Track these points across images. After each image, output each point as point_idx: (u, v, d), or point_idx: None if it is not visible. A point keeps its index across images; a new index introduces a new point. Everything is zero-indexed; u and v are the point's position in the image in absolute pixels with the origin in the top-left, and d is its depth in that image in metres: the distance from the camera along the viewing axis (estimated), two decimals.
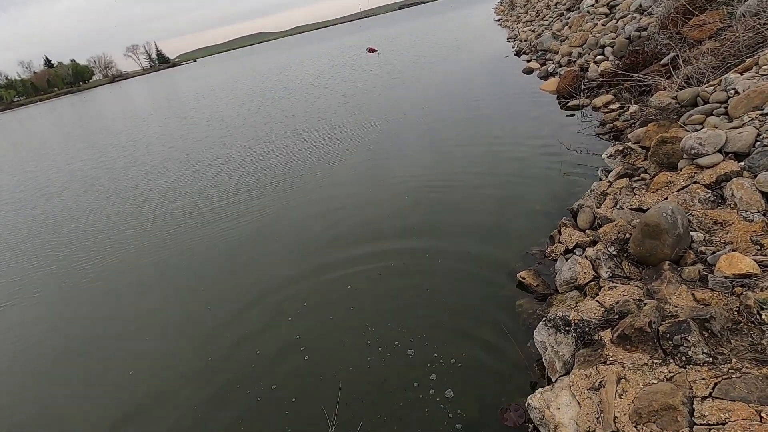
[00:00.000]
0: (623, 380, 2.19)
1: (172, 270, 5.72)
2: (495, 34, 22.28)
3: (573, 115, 7.98)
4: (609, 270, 3.19)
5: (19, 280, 6.53)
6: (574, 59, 10.19)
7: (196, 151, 12.02)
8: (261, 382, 3.40)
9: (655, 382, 2.12)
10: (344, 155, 8.79)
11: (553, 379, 2.65)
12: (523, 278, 3.71)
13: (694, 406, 1.90)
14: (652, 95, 5.59)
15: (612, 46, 9.02)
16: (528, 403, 2.50)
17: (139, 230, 7.31)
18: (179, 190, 8.92)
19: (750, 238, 2.83)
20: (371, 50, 4.41)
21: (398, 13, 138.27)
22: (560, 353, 2.69)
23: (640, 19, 9.04)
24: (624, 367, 2.27)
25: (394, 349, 3.40)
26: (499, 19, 27.03)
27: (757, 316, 2.26)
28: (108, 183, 10.86)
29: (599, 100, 7.62)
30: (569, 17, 13.14)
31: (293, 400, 3.16)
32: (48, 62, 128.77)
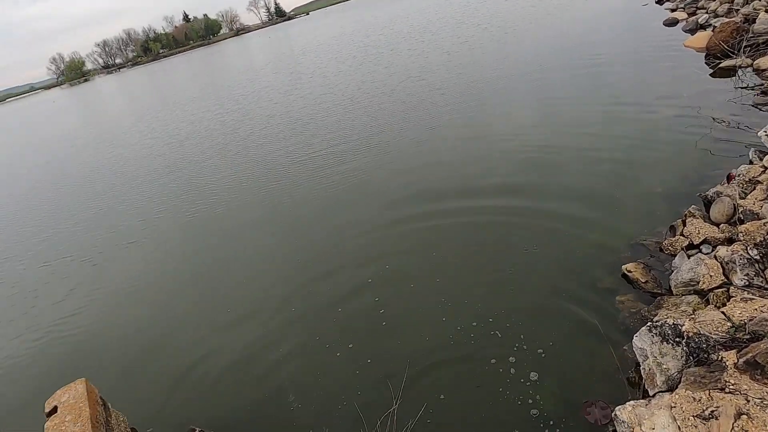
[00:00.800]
0: (744, 416, 1.81)
1: (272, 216, 6.21)
2: None
3: (726, 79, 6.56)
4: (745, 278, 2.63)
5: (146, 218, 7.65)
6: (737, 7, 8.25)
7: (297, 108, 12.56)
8: (340, 338, 3.56)
9: None
10: (446, 113, 8.50)
11: (651, 393, 2.33)
12: (630, 271, 3.26)
13: None
14: None
15: None
16: (615, 414, 2.24)
17: (245, 179, 8.00)
18: (280, 145, 9.48)
19: None
20: None
21: None
22: (664, 366, 2.33)
23: None
24: (748, 401, 1.88)
25: (473, 326, 3.28)
26: None
27: None
28: (221, 136, 11.97)
29: (766, 61, 6.12)
30: None
31: (368, 361, 3.26)
32: (186, 17, 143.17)
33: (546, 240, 4.03)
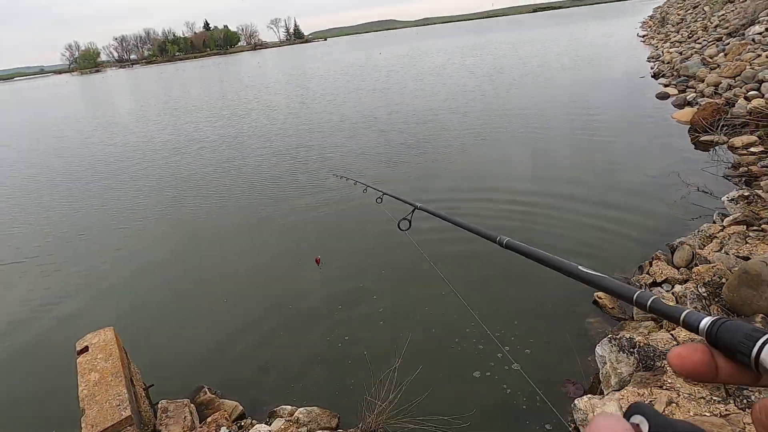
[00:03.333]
0: (674, 404, 2.27)
1: (270, 218, 6.65)
2: (635, 51, 20.50)
3: (704, 152, 7.31)
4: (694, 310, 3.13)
5: (153, 217, 8.04)
6: (721, 91, 9.18)
7: (279, 137, 13.20)
8: (338, 332, 3.95)
9: (708, 415, 2.18)
10: (435, 159, 9.10)
11: (605, 393, 2.77)
12: (600, 298, 3.75)
13: None
14: None
15: None
16: (574, 404, 2.66)
17: (245, 185, 8.48)
18: (268, 161, 10.03)
19: None
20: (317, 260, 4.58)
21: (531, 17, 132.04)
22: (618, 370, 2.78)
23: None
24: (679, 395, 2.34)
25: (456, 331, 3.71)
26: (644, 35, 24.70)
27: None
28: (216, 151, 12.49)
29: (739, 140, 6.89)
30: (728, 43, 11.71)
31: (363, 352, 3.66)
32: (206, 25, 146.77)
33: (533, 272, 4.52)
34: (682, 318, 0.43)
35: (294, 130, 12.68)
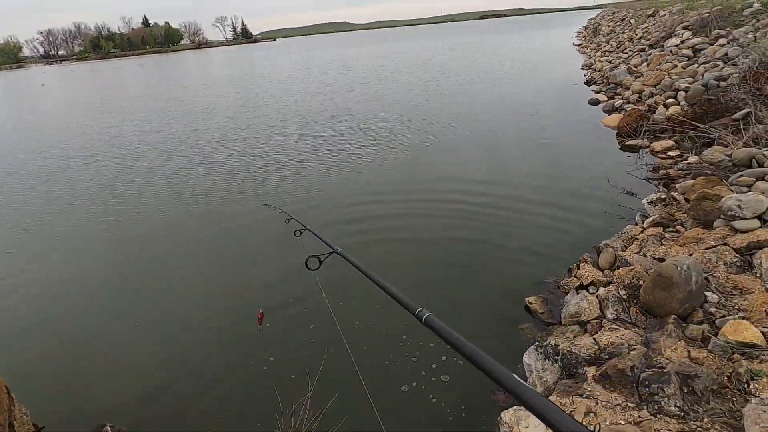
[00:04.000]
0: (592, 414, 2.26)
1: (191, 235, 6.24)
2: (571, 59, 21.66)
3: (629, 155, 7.75)
4: (615, 312, 3.20)
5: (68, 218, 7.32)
6: (645, 98, 9.82)
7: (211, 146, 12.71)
8: (259, 342, 3.70)
9: (623, 423, 2.19)
10: (379, 162, 9.04)
11: None
12: (531, 303, 3.78)
13: None
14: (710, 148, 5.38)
15: (686, 91, 8.62)
16: (500, 417, 2.61)
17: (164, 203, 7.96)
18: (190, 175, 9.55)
19: (766, 310, 2.77)
20: (260, 318, 4.21)
21: (478, 23, 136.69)
22: (544, 379, 2.78)
23: (723, 68, 8.58)
24: (597, 403, 2.34)
25: (389, 336, 3.59)
26: (579, 45, 26.21)
27: (745, 386, 2.25)
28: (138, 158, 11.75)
29: (659, 145, 7.36)
30: (650, 54, 12.61)
31: (279, 359, 3.44)
32: (146, 21, 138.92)
33: (465, 278, 4.52)
34: None
35: (229, 137, 12.12)
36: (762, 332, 2.57)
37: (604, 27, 26.30)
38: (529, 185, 6.95)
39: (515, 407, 2.65)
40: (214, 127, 13.41)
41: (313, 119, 13.03)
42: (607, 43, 20.33)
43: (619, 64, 13.97)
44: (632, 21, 21.28)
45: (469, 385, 3.12)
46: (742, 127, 5.94)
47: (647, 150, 7.62)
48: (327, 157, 9.25)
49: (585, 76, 15.63)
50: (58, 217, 7.35)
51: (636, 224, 4.77)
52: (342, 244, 1.84)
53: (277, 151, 9.99)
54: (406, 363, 3.36)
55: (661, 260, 3.53)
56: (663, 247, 3.77)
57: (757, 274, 3.07)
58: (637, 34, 17.26)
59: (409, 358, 3.41)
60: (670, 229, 4.17)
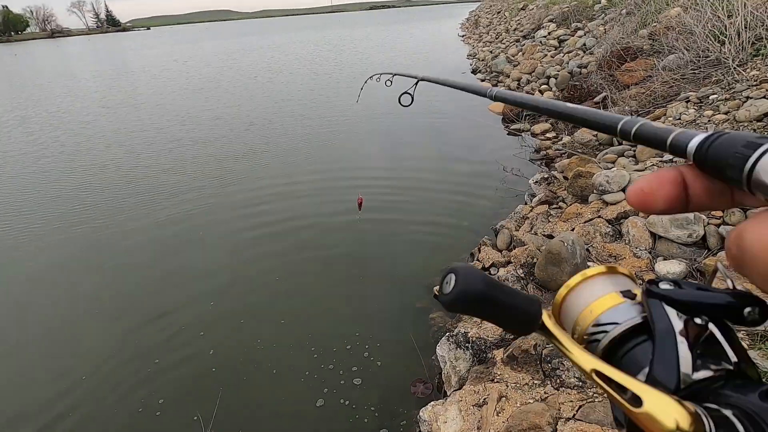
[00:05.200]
0: (504, 398, 2.31)
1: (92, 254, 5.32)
2: (457, 49, 22.90)
3: (514, 139, 8.39)
4: None
5: None
6: (523, 85, 10.72)
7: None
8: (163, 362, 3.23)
9: (532, 402, 2.27)
10: (262, 155, 8.65)
11: (448, 393, 2.75)
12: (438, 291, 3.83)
13: (558, 426, 2.05)
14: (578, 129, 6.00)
15: (556, 78, 9.59)
16: (419, 416, 2.57)
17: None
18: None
19: (635, 273, 3.11)
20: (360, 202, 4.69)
21: (368, 14, 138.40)
22: (457, 368, 2.80)
23: (583, 56, 9.70)
24: (507, 386, 2.41)
25: (294, 348, 3.37)
26: (464, 35, 27.84)
27: None
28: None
29: (538, 128, 8.07)
30: (524, 44, 13.81)
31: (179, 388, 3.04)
32: None
33: (368, 272, 4.45)
34: (669, 142, 0.31)
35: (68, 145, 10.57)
36: None
37: (484, 19, 28.26)
38: (425, 172, 7.12)
39: (432, 402, 2.63)
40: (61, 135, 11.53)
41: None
42: (487, 33, 21.87)
43: (499, 53, 15.08)
44: (506, 14, 23.16)
45: (383, 383, 3.05)
46: (602, 108, 6.74)
47: (528, 133, 8.32)
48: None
49: (471, 65, 16.62)
50: None
51: (525, 204, 5.14)
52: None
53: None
54: (318, 376, 3.17)
55: (550, 237, 3.81)
56: (550, 224, 4.08)
57: (626, 241, 3.45)
58: (511, 26, 18.80)
59: (322, 369, 3.22)
60: (554, 206, 4.55)
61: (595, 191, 3.96)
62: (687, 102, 4.54)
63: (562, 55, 10.76)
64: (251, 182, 7.14)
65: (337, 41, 34.62)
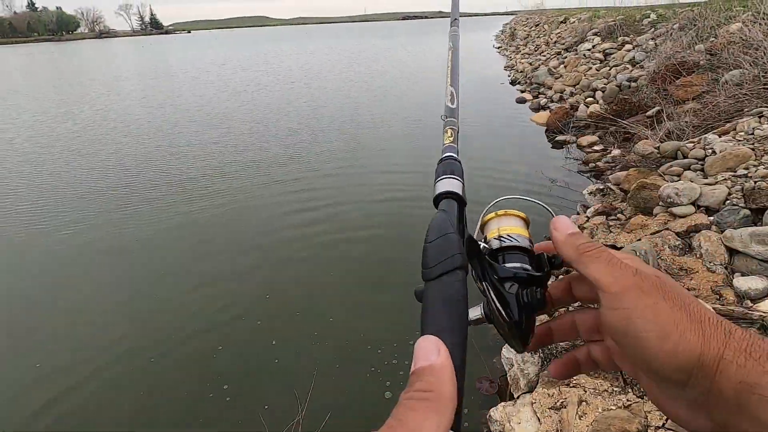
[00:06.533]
0: (584, 403, 2.28)
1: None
2: (493, 60, 22.87)
3: (559, 150, 8.29)
4: None
5: None
6: (566, 97, 10.60)
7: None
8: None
9: (614, 408, 2.23)
10: (306, 166, 8.80)
11: (515, 396, 2.73)
12: None
13: None
14: (636, 143, 5.89)
15: (603, 91, 9.44)
16: (489, 415, 2.56)
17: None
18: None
19: (711, 288, 3.03)
20: None
21: (400, 24, 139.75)
22: (525, 371, 2.78)
23: (632, 70, 9.52)
24: (585, 391, 2.37)
25: (358, 343, 3.41)
26: (499, 47, 27.77)
27: None
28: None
29: (585, 140, 7.95)
30: (566, 57, 13.68)
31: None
32: (31, 4, 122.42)
33: None
34: None
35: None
36: (713, 308, 2.79)
37: (521, 31, 28.15)
38: (473, 182, 7.13)
39: (503, 404, 2.62)
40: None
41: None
42: (525, 46, 21.75)
43: (539, 65, 14.97)
44: (546, 26, 23.01)
45: None
46: (655, 122, 6.60)
47: (574, 145, 8.21)
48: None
49: (509, 76, 16.55)
50: None
51: (578, 214, 5.07)
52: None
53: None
54: (382, 370, 3.20)
55: (614, 246, 3.73)
56: (612, 234, 4.01)
57: (697, 255, 3.36)
58: (552, 39, 18.65)
59: (386, 364, 3.25)
60: (612, 218, 4.47)
61: (661, 203, 3.88)
62: (760, 117, 4.41)
63: (608, 68, 10.59)
64: (294, 184, 7.30)
65: (372, 50, 35.10)
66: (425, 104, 12.74)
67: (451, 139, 0.65)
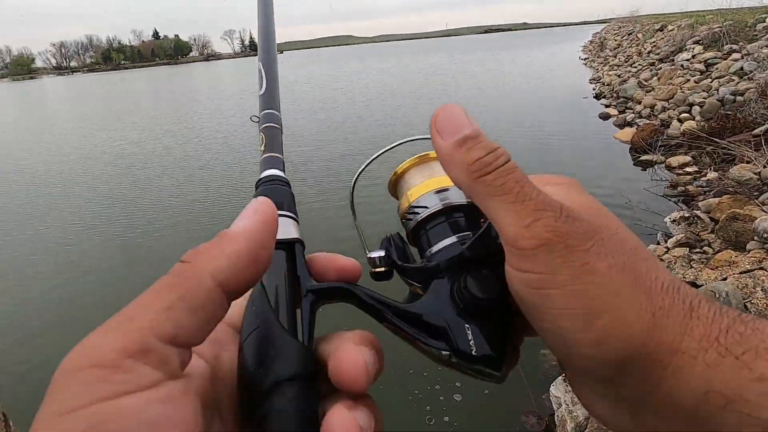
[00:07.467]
0: None
1: None
2: (578, 72, 21.66)
3: (644, 171, 7.60)
4: None
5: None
6: (657, 113, 9.70)
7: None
8: None
9: None
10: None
11: None
12: None
13: None
14: (735, 165, 5.22)
15: (701, 106, 8.50)
16: None
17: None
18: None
19: None
20: None
21: (482, 37, 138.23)
22: (574, 413, 2.59)
23: (738, 82, 8.46)
24: None
25: (399, 368, 3.42)
26: (586, 59, 26.23)
27: None
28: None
29: (675, 160, 7.20)
30: (660, 68, 12.54)
31: None
32: (156, 34, 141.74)
33: None
34: None
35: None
36: None
37: (611, 41, 26.34)
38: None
39: None
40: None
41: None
42: (615, 57, 20.30)
43: (629, 78, 13.88)
44: (639, 35, 21.29)
45: (488, 408, 2.96)
46: (763, 142, 5.79)
47: (662, 165, 7.46)
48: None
49: (594, 90, 15.56)
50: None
51: (659, 243, 4.61)
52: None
53: None
54: (424, 396, 3.18)
55: (693, 284, 3.35)
56: (693, 269, 3.59)
57: None
58: (645, 48, 17.21)
59: (428, 390, 3.23)
60: (697, 251, 4.00)
61: (756, 238, 3.40)
62: None
63: (709, 80, 9.52)
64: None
65: (452, 66, 35.16)
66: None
67: (270, 147, 0.37)
